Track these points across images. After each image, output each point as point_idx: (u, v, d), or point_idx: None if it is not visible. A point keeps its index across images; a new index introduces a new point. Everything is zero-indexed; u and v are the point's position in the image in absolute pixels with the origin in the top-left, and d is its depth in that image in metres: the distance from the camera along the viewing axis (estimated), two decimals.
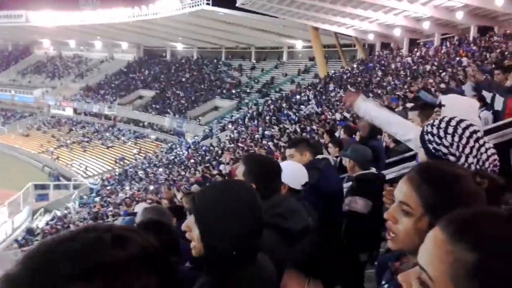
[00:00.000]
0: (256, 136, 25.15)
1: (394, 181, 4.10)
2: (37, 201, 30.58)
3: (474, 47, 21.25)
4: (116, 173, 34.90)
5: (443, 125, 1.67)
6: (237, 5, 33.01)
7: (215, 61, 50.74)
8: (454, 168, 1.21)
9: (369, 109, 2.64)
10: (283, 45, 46.44)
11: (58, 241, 0.58)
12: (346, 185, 4.00)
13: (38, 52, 65.48)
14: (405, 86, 19.30)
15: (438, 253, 0.75)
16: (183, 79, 48.59)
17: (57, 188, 32.94)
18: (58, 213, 28.20)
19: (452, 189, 1.13)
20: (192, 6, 40.09)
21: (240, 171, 2.22)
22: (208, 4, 38.34)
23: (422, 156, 1.78)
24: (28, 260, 0.57)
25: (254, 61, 48.10)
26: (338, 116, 19.52)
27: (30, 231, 24.68)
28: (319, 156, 3.79)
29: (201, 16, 40.24)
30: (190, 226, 1.45)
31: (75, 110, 51.44)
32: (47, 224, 26.29)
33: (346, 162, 3.79)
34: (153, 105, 45.19)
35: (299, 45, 44.59)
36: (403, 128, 2.56)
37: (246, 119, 30.62)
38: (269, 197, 2.12)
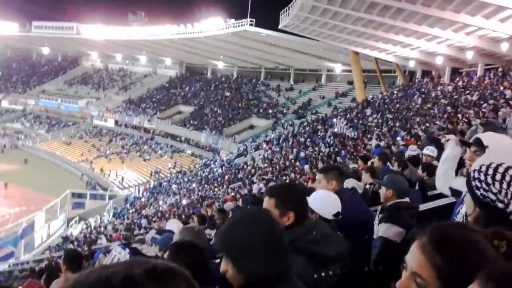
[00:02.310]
0: (290, 157, 25.13)
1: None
2: (73, 209, 31.43)
3: None
4: (151, 186, 35.52)
5: (490, 171, 1.66)
6: (279, 27, 33.48)
7: (254, 80, 51.32)
8: (468, 233, 1.14)
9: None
10: (322, 68, 46.51)
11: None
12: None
13: (85, 64, 68.13)
14: (445, 115, 18.91)
15: None
16: (222, 97, 49.32)
17: (93, 197, 33.81)
18: (92, 222, 28.90)
19: (467, 258, 1.07)
20: (236, 26, 40.90)
21: (270, 204, 2.19)
22: (251, 25, 39.00)
23: (468, 200, 1.77)
24: None
25: (292, 82, 48.36)
26: (373, 142, 19.28)
27: (65, 239, 25.35)
28: (348, 186, 3.79)
29: (243, 36, 40.94)
30: (224, 268, 1.54)
31: (116, 122, 52.97)
32: (81, 232, 26.97)
33: (382, 190, 3.78)
34: (191, 121, 46.00)
35: (338, 68, 44.55)
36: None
37: (281, 139, 30.67)
38: (301, 222, 2.17)
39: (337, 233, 2.79)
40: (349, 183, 6.92)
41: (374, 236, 3.57)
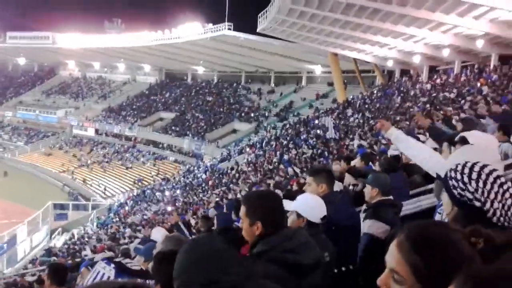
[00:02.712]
0: (274, 160, 25.16)
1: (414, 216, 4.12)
2: (56, 220, 30.98)
3: (495, 76, 21.07)
4: (134, 194, 35.19)
5: (466, 170, 1.68)
6: (257, 30, 33.58)
7: (234, 84, 51.36)
8: (446, 231, 1.16)
9: (399, 135, 3.15)
10: (302, 70, 46.79)
11: None
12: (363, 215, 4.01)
13: (63, 73, 67.29)
14: (424, 113, 19.17)
15: None
16: (203, 102, 49.20)
17: (76, 208, 33.35)
18: (76, 233, 28.48)
19: (444, 257, 1.10)
20: (214, 31, 40.88)
21: (242, 212, 2.20)
22: (229, 29, 39.05)
23: (446, 200, 1.78)
24: None
25: (273, 85, 48.53)
26: (356, 142, 19.43)
27: (48, 251, 24.92)
28: (336, 189, 3.80)
29: (222, 41, 40.95)
30: None
31: (96, 131, 52.41)
32: (64, 243, 26.55)
33: (366, 189, 3.80)
34: (173, 127, 45.76)
35: (318, 70, 44.88)
36: (423, 154, 3.00)
37: (264, 143, 30.71)
38: (275, 232, 2.13)
39: (323, 237, 2.79)
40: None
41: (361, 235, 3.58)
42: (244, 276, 1.59)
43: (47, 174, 44.46)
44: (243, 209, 2.20)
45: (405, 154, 3.44)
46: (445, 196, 1.78)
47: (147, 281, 1.68)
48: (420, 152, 3.11)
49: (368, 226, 3.47)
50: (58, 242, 28.16)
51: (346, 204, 3.79)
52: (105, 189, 39.06)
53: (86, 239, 24.82)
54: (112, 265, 1.57)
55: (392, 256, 1.16)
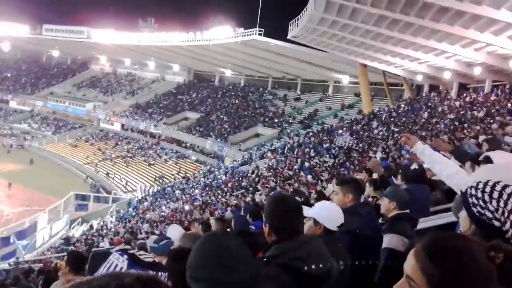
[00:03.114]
0: (294, 166, 25.13)
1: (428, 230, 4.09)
2: (76, 211, 31.51)
3: None
4: (155, 190, 35.57)
5: (488, 189, 1.65)
6: (288, 37, 33.64)
7: (261, 89, 51.49)
8: (462, 242, 1.15)
9: (425, 150, 3.20)
10: (329, 79, 46.61)
11: None
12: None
13: (94, 68, 68.68)
14: (451, 129, 18.88)
15: None
16: (229, 105, 49.48)
17: (97, 200, 33.88)
18: (95, 224, 28.94)
19: (459, 268, 1.08)
20: (245, 35, 41.11)
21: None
22: (260, 34, 39.20)
23: (464, 217, 1.76)
24: None
25: (299, 93, 48.46)
26: (379, 155, 19.25)
27: (66, 240, 25.41)
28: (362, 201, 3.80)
29: (252, 45, 41.15)
30: None
31: (122, 126, 53.24)
32: (83, 234, 27.01)
33: (383, 202, 3.79)
34: (197, 127, 46.14)
35: (345, 80, 44.62)
36: (449, 170, 3.02)
37: (286, 149, 30.69)
38: (290, 238, 2.14)
39: (339, 245, 2.80)
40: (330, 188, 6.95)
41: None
42: (251, 277, 1.62)
43: (71, 165, 45.38)
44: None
45: (431, 169, 3.42)
46: (463, 213, 1.76)
47: (160, 273, 1.72)
48: (446, 168, 3.11)
49: (388, 240, 3.45)
50: (77, 232, 28.67)
51: (373, 216, 3.79)
52: (126, 184, 39.62)
53: (105, 231, 25.20)
54: (125, 256, 1.61)
55: (409, 264, 1.17)
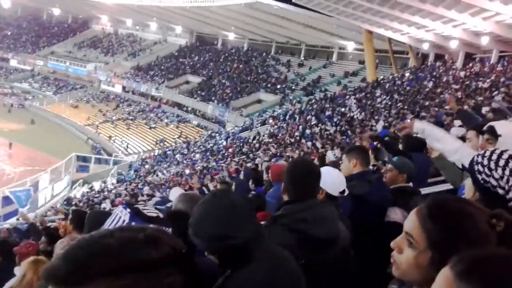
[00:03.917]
0: (295, 133, 25.08)
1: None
2: (78, 172, 31.70)
3: None
4: (155, 154, 35.71)
5: (494, 157, 1.67)
6: (293, 0, 32.90)
7: (264, 54, 50.84)
8: (464, 205, 1.18)
9: (425, 130, 3.20)
10: (334, 45, 45.92)
11: (97, 238, 0.64)
12: None
13: (95, 27, 67.64)
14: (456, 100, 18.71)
15: None
16: (231, 69, 48.99)
17: (98, 162, 34.05)
18: (96, 186, 29.18)
19: (457, 228, 1.12)
20: None
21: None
22: None
23: (469, 185, 1.79)
24: (69, 253, 0.62)
25: (303, 58, 47.86)
26: (380, 124, 19.16)
27: (68, 200, 25.67)
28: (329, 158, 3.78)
29: (256, 8, 40.32)
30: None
31: (124, 88, 52.92)
32: (84, 195, 27.27)
33: (390, 173, 3.71)
34: (199, 91, 45.86)
35: (350, 46, 43.96)
36: (451, 146, 3.02)
37: (288, 116, 30.57)
38: (302, 200, 2.21)
39: (340, 211, 2.78)
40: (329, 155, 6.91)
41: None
42: (253, 236, 1.66)
43: (72, 126, 45.37)
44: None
45: (432, 146, 3.39)
46: (468, 181, 1.80)
47: (164, 228, 1.69)
48: (446, 145, 3.09)
49: (390, 212, 3.43)
50: (78, 193, 28.93)
51: (382, 184, 3.78)
52: (127, 146, 39.72)
53: (106, 192, 25.42)
54: (128, 210, 1.60)
55: (410, 221, 1.20)
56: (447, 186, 4.41)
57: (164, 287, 0.62)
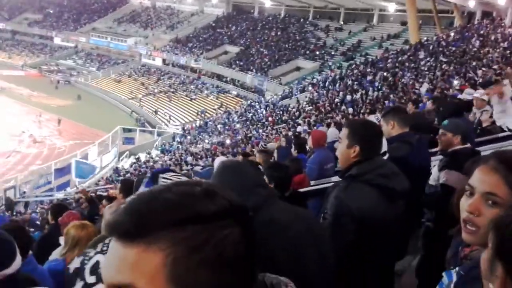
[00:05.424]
0: (336, 100, 24.78)
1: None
2: (124, 144, 32.76)
3: None
4: (197, 125, 36.27)
5: None
6: None
7: (302, 20, 49.84)
8: None
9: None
10: (374, 7, 44.39)
11: (156, 192, 0.67)
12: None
13: (134, 2, 68.18)
14: (504, 60, 17.88)
15: None
16: (269, 37, 48.44)
17: (143, 134, 35.01)
18: (142, 157, 30.10)
19: None
20: None
21: (343, 133, 2.39)
22: None
23: None
24: (132, 207, 0.65)
25: (342, 23, 46.60)
26: (425, 86, 18.61)
27: (116, 171, 26.68)
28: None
29: None
30: None
31: (164, 61, 53.52)
32: (131, 165, 28.23)
33: (444, 136, 3.55)
34: (237, 61, 45.78)
35: (391, 8, 42.35)
36: None
37: (327, 82, 30.14)
38: (371, 158, 2.31)
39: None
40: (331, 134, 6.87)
41: (432, 182, 3.52)
42: (264, 198, 1.78)
43: (116, 100, 46.58)
44: (345, 131, 2.39)
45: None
46: None
47: None
48: None
49: (447, 177, 3.27)
50: (126, 164, 29.97)
51: (424, 146, 3.74)
52: (170, 118, 40.51)
53: (151, 163, 26.21)
54: (149, 175, 1.73)
55: (484, 180, 1.17)
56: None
57: (222, 238, 0.64)
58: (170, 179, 1.71)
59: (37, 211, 16.86)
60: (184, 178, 1.84)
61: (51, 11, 71.00)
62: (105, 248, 1.83)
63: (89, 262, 1.86)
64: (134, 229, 0.62)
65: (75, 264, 2.06)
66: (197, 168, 16.85)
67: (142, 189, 1.75)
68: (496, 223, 0.88)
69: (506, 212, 0.90)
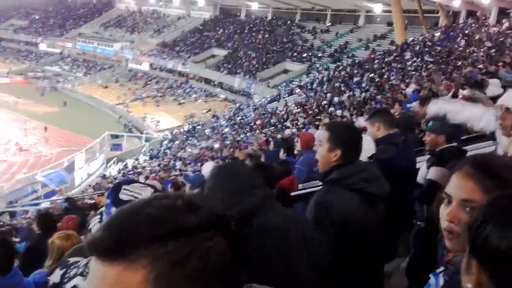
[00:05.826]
0: (324, 102, 24.79)
1: None
2: (112, 150, 32.42)
3: None
4: (185, 130, 36.08)
5: None
6: None
7: (288, 22, 49.95)
8: (502, 158, 1.24)
9: (436, 107, 3.22)
10: (360, 8, 44.62)
11: (137, 207, 0.66)
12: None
13: (119, 6, 67.83)
14: (489, 58, 18.01)
15: None
16: (256, 40, 48.46)
17: (130, 139, 34.72)
18: (130, 163, 29.85)
19: None
20: None
21: (324, 137, 2.35)
22: None
23: (503, 139, 1.87)
24: (112, 223, 0.64)
25: (329, 24, 46.77)
26: (412, 87, 18.66)
27: (103, 178, 26.39)
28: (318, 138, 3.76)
29: None
30: None
31: (151, 65, 53.25)
32: (119, 172, 27.96)
33: (429, 137, 3.68)
34: (225, 65, 45.71)
35: (377, 8, 42.57)
36: (473, 114, 3.02)
37: (315, 84, 30.18)
38: (352, 162, 2.30)
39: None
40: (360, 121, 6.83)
41: (420, 181, 3.59)
42: (260, 200, 1.77)
43: (103, 105, 46.17)
44: (326, 134, 2.36)
45: (456, 119, 3.35)
46: (499, 132, 1.92)
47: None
48: (469, 113, 3.12)
49: (434, 172, 3.39)
50: (114, 170, 29.67)
51: (409, 147, 3.75)
52: (157, 123, 40.26)
53: (139, 169, 25.97)
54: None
55: (460, 187, 1.17)
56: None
57: (207, 249, 0.63)
58: (133, 191, 1.68)
59: (23, 221, 16.60)
60: (148, 189, 1.80)
61: (37, 17, 70.36)
62: (87, 270, 1.80)
63: (68, 284, 1.83)
64: (114, 245, 0.61)
65: (54, 278, 2.00)
66: (187, 173, 16.71)
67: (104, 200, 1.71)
68: (469, 223, 0.90)
69: (476, 212, 0.91)
